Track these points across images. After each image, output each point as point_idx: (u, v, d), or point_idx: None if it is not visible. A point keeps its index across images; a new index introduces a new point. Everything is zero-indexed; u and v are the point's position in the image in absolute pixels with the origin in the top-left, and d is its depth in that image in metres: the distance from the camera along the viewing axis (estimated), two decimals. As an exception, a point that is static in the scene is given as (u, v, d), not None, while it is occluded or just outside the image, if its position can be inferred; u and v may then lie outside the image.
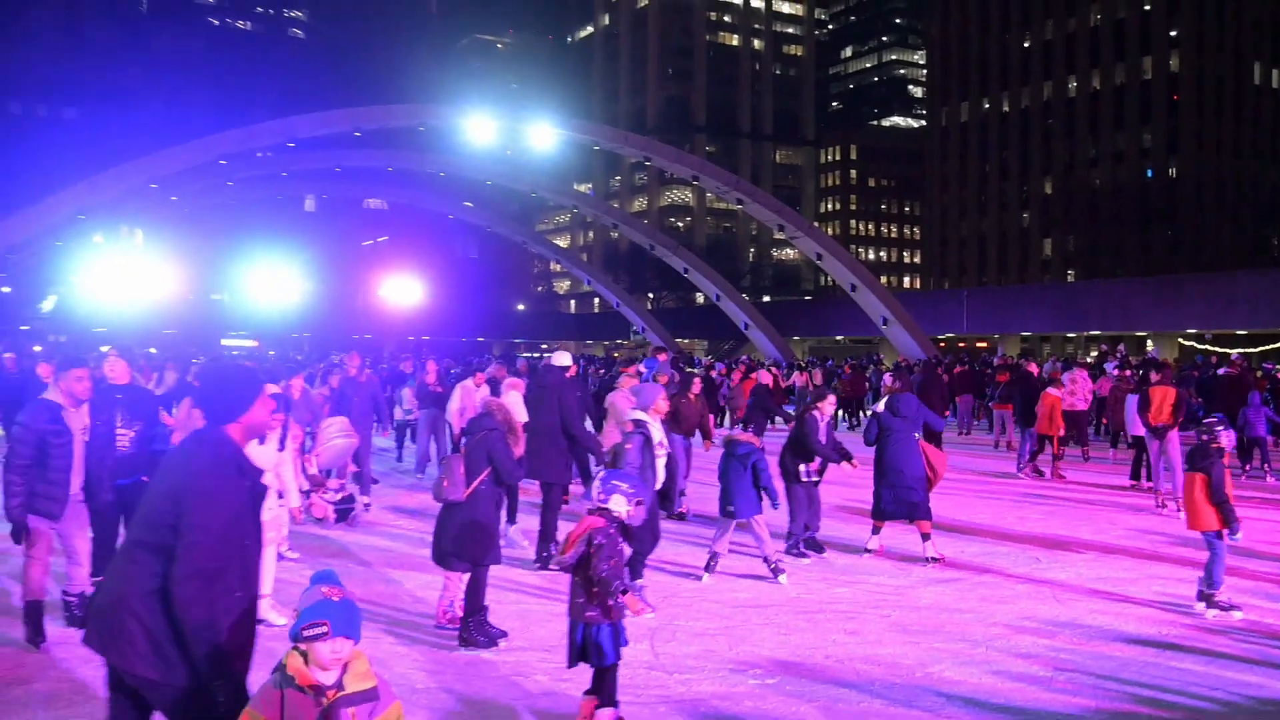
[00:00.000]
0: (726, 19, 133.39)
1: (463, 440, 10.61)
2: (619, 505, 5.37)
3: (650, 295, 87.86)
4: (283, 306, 58.43)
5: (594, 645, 5.14)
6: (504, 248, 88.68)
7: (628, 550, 5.43)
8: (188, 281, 69.20)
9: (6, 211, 31.95)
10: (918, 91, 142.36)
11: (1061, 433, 16.12)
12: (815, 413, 9.78)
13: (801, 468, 9.75)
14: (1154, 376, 13.51)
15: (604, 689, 5.23)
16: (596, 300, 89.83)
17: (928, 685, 6.19)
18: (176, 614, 3.37)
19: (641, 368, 14.34)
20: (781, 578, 8.85)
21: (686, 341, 61.97)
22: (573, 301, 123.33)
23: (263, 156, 40.12)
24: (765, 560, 8.95)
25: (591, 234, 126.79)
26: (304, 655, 3.23)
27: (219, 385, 3.95)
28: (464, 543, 6.94)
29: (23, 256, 32.51)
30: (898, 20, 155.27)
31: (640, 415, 7.95)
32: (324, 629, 3.19)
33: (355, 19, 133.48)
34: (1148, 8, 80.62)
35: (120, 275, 46.11)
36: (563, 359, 10.28)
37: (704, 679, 6.24)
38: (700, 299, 73.01)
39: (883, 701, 5.90)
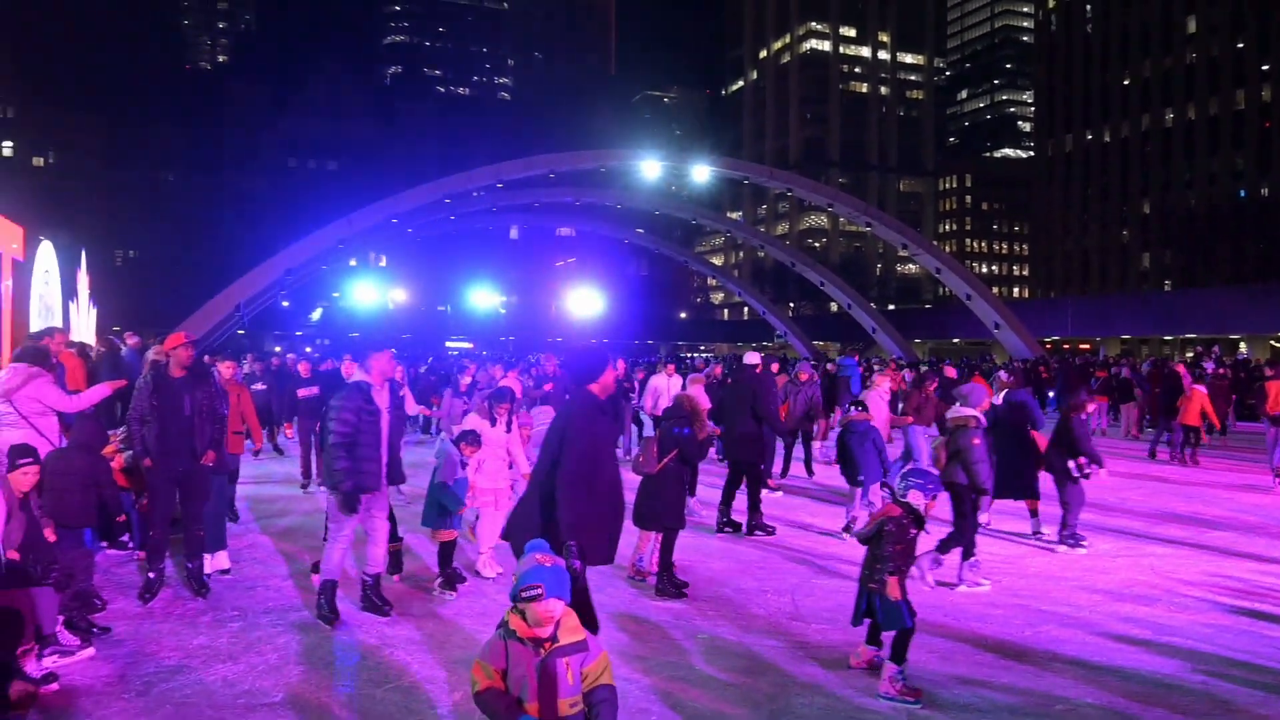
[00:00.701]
0: (857, 70, 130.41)
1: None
2: (917, 499, 5.36)
3: (791, 305, 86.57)
4: (492, 315, 60.55)
5: (883, 610, 5.02)
6: (668, 266, 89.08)
7: (919, 537, 5.26)
8: (419, 295, 72.47)
9: (286, 242, 33.94)
10: (1026, 126, 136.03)
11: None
12: (1081, 414, 8.91)
13: (1070, 464, 8.71)
14: (1269, 372, 12.74)
15: (896, 648, 5.01)
16: (746, 309, 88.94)
17: (1036, 643, 5.91)
18: (560, 507, 4.06)
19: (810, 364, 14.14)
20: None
21: (822, 344, 60.69)
22: (725, 310, 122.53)
23: (477, 195, 41.44)
24: None
25: (741, 253, 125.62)
26: (522, 613, 3.17)
27: (580, 359, 4.80)
28: (656, 509, 6.99)
29: (298, 277, 34.44)
30: (1007, 65, 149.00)
31: (972, 412, 7.49)
32: (539, 590, 3.13)
33: (551, 82, 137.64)
34: (1240, 45, 74.46)
35: (369, 291, 48.60)
36: (752, 358, 9.89)
37: (836, 629, 6.09)
38: (834, 307, 71.50)
39: (995, 655, 5.67)
